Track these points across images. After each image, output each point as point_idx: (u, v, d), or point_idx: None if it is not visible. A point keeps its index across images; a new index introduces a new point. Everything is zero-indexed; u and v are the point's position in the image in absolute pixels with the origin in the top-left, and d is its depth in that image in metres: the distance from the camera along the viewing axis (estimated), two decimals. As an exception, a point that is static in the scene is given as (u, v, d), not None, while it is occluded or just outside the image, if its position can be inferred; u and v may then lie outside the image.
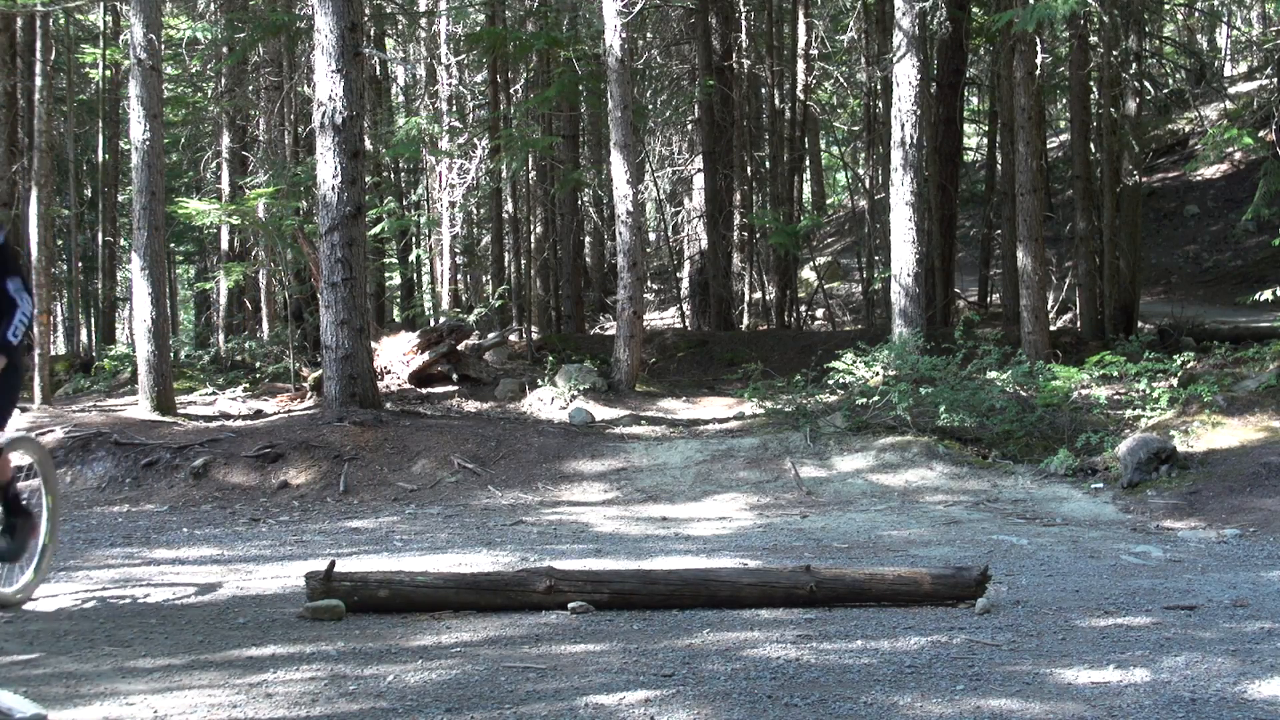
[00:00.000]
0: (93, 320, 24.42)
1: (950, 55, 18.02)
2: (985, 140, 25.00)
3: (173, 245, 23.54)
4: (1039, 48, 14.13)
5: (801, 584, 5.43)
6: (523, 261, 19.41)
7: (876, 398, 12.06)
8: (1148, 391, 11.24)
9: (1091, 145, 16.85)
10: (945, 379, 11.86)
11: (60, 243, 20.58)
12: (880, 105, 19.74)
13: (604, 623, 5.15)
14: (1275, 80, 18.93)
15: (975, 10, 18.37)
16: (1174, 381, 11.55)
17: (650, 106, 21.94)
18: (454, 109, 19.45)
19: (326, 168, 11.73)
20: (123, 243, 23.12)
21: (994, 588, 5.59)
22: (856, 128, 24.98)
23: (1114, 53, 15.11)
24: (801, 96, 20.78)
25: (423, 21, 20.60)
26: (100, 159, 20.92)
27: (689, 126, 21.77)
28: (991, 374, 11.98)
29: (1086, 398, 11.68)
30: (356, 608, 5.26)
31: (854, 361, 12.69)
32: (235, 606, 5.60)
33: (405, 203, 22.71)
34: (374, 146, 19.19)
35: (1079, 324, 16.57)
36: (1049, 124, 25.44)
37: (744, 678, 4.20)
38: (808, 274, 23.92)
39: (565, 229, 20.73)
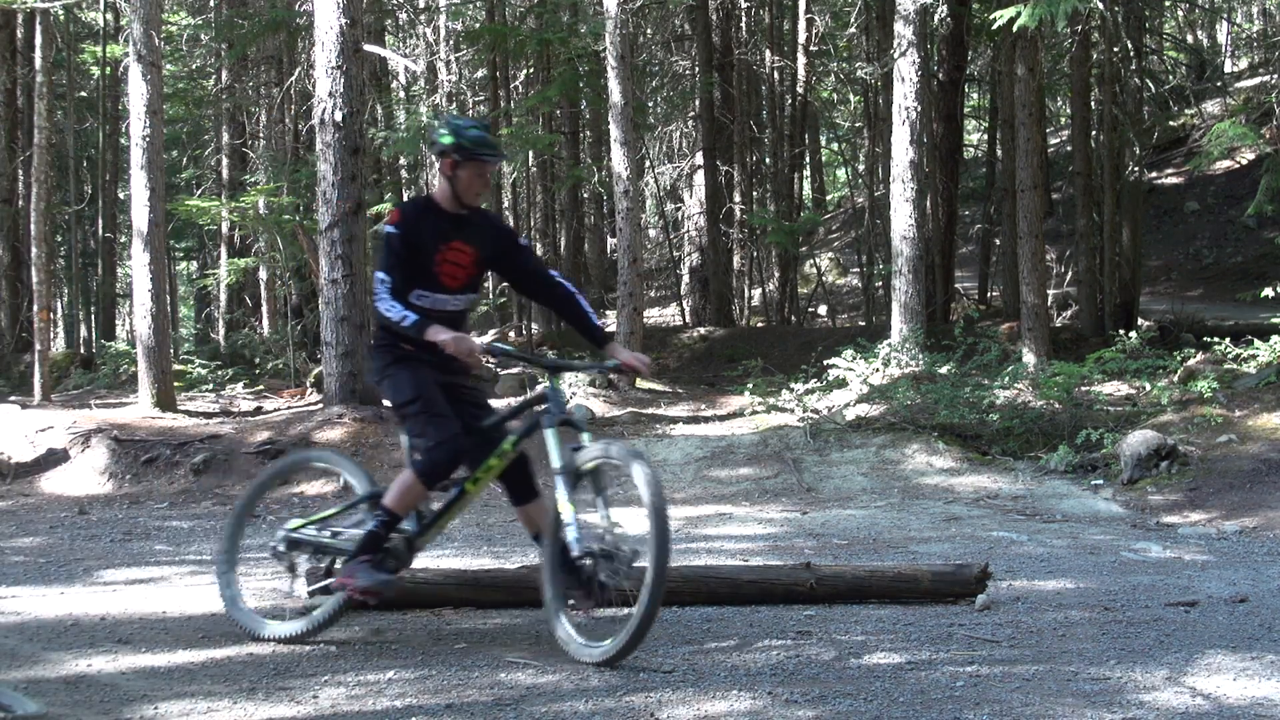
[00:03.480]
0: (93, 316, 24.40)
1: (951, 51, 18.00)
2: (986, 136, 24.93)
3: (173, 242, 23.53)
4: (1040, 44, 14.11)
5: (801, 581, 5.43)
6: (523, 257, 19.37)
7: (876, 394, 12.06)
8: (1148, 388, 11.23)
9: (1092, 141, 16.82)
10: (945, 375, 11.85)
11: (60, 239, 20.57)
12: (881, 101, 19.71)
13: (604, 619, 5.14)
14: (1276, 77, 18.88)
15: (976, 6, 18.32)
16: (1174, 378, 11.54)
17: (650, 103, 21.90)
18: (454, 105, 19.43)
19: (326, 164, 11.71)
20: (123, 239, 23.11)
21: (994, 584, 5.58)
22: (858, 124, 24.92)
23: (1115, 49, 15.07)
24: (802, 92, 20.76)
25: (422, 18, 20.58)
26: (100, 155, 20.90)
27: (689, 122, 21.72)
28: (992, 370, 11.97)
29: (1087, 394, 11.66)
30: (357, 604, 5.25)
31: (854, 358, 12.69)
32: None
33: (406, 199, 22.67)
34: (375, 140, 19.17)
35: (1079, 320, 16.55)
36: (1049, 120, 25.37)
37: (744, 674, 4.20)
38: (809, 270, 23.89)
39: (565, 225, 20.71)
